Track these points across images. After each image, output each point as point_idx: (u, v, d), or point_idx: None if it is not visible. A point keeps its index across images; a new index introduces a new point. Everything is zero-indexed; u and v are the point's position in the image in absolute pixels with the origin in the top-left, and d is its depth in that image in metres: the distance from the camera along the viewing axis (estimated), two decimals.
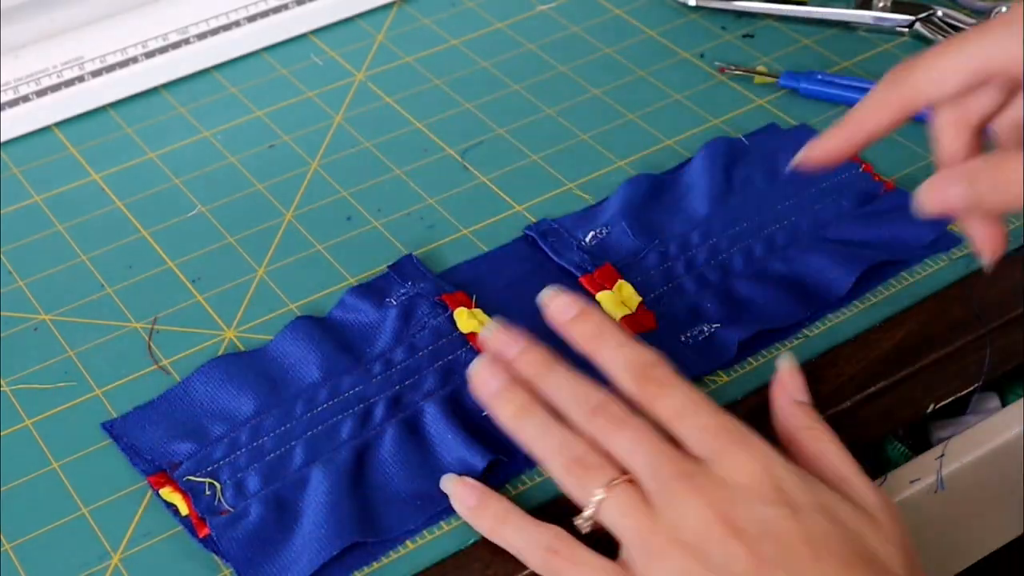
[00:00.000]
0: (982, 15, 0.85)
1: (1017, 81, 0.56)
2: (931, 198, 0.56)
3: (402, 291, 0.69)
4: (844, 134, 0.59)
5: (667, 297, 0.68)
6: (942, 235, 0.71)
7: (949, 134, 0.59)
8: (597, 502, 0.55)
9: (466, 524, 0.60)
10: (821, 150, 0.60)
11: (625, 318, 0.67)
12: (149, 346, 0.69)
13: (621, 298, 0.68)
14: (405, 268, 0.70)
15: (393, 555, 0.59)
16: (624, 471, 0.55)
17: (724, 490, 0.54)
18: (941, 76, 0.56)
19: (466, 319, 0.67)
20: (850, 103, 0.80)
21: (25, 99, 0.83)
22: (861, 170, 0.75)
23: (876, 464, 0.66)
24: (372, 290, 0.69)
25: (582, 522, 0.56)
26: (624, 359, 0.58)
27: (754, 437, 0.55)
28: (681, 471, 0.54)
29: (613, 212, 0.73)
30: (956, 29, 0.84)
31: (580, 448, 0.57)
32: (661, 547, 0.53)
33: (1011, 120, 0.59)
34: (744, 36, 0.86)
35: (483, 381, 0.60)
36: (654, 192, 0.74)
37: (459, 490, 0.59)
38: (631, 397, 0.57)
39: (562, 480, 0.57)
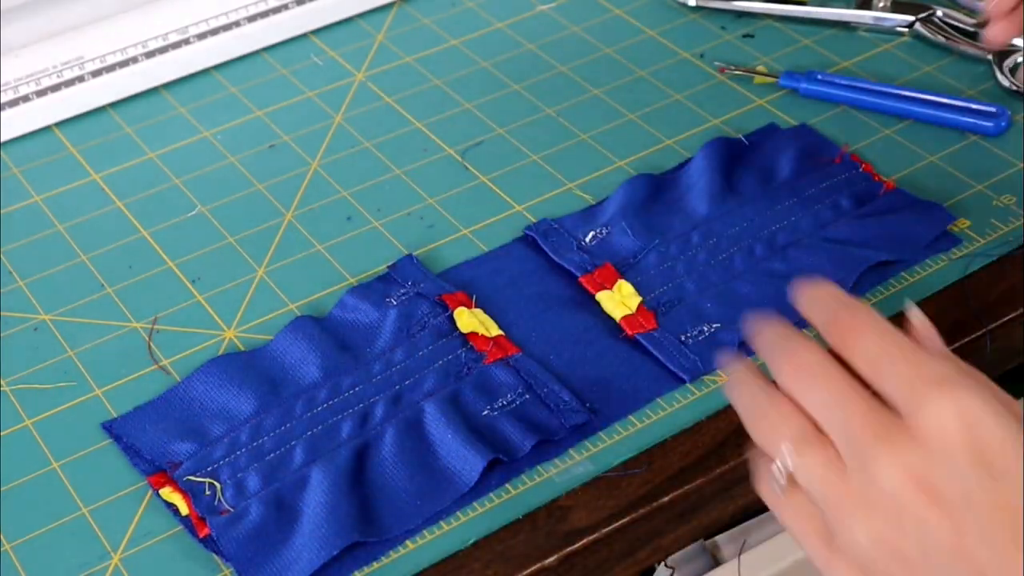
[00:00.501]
0: (982, 15, 0.85)
1: None
2: None
3: (402, 291, 0.69)
4: None
5: (667, 297, 0.68)
6: (942, 235, 0.71)
7: None
8: (789, 457, 0.51)
9: (466, 524, 0.60)
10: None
11: (625, 318, 0.67)
12: (149, 346, 0.69)
13: (621, 298, 0.68)
14: (405, 268, 0.70)
15: (393, 555, 0.59)
16: (815, 426, 0.51)
17: (921, 449, 0.48)
18: None
19: (466, 319, 0.67)
20: (850, 103, 0.80)
21: (25, 99, 0.83)
22: (861, 170, 0.75)
23: None
24: (372, 290, 0.69)
25: (776, 472, 0.52)
26: (819, 295, 0.54)
27: (961, 379, 0.49)
28: (875, 428, 0.49)
29: (613, 212, 0.73)
30: (956, 29, 0.84)
31: (772, 399, 0.53)
32: (852, 510, 0.49)
33: None
34: (744, 36, 0.86)
35: (733, 372, 0.56)
36: (654, 192, 0.74)
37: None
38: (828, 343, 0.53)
39: (755, 431, 0.53)
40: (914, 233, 0.70)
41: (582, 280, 0.69)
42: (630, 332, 0.66)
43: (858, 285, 0.68)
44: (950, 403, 0.48)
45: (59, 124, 0.83)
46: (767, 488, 0.53)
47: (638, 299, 0.68)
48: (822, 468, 0.51)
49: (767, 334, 0.55)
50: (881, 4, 0.86)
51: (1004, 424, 0.48)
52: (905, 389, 0.50)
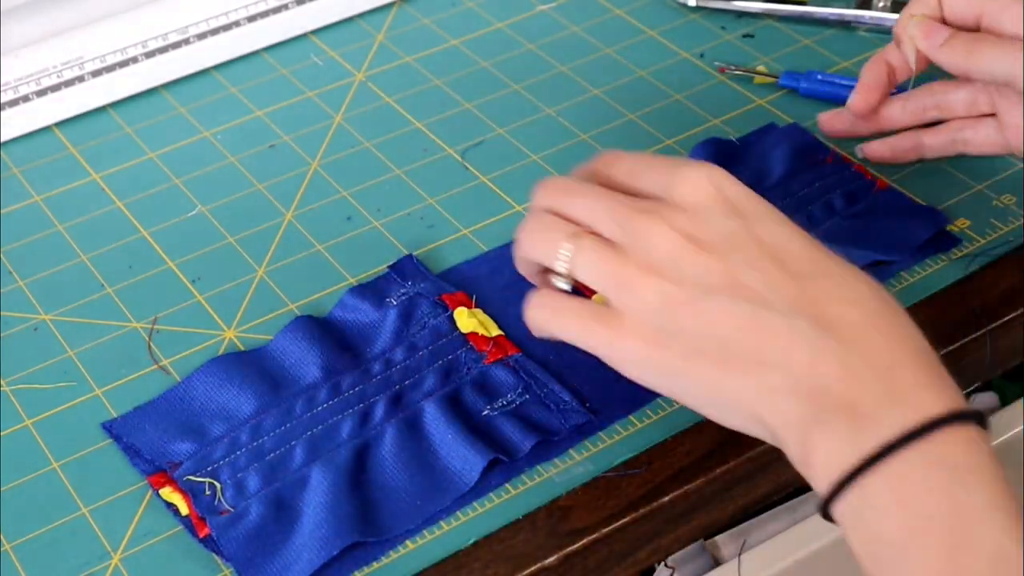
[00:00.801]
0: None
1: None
2: (917, 27, 0.67)
3: (402, 291, 0.69)
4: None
5: None
6: (942, 235, 0.71)
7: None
8: (567, 257, 0.57)
9: (466, 524, 0.60)
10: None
11: None
12: (149, 346, 0.69)
13: None
14: (405, 268, 0.70)
15: (393, 555, 0.59)
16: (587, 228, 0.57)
17: (683, 213, 0.56)
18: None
19: (466, 319, 0.67)
20: None
21: (25, 99, 0.83)
22: (853, 169, 0.74)
23: None
24: (372, 290, 0.69)
25: (559, 280, 0.58)
26: (590, 162, 0.61)
27: (702, 162, 0.57)
28: (639, 208, 0.56)
29: None
30: None
31: (539, 217, 0.59)
32: (635, 277, 0.55)
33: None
34: (744, 36, 0.86)
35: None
36: None
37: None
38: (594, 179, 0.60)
39: (526, 247, 0.59)
40: (907, 234, 0.70)
41: (578, 285, 0.69)
42: None
43: None
44: (700, 172, 0.56)
45: (59, 124, 0.83)
46: (536, 309, 0.58)
47: None
48: (599, 252, 0.56)
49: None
50: (881, 4, 0.86)
51: (744, 187, 0.57)
52: (661, 178, 0.57)
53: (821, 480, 0.51)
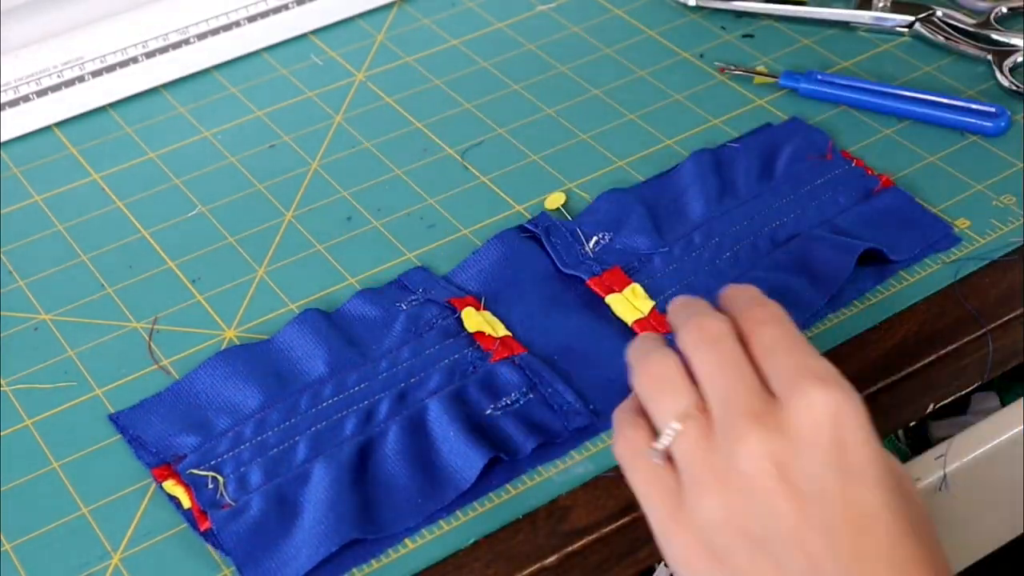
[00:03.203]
0: (982, 15, 0.85)
1: None
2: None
3: (412, 298, 0.69)
4: None
5: None
6: (943, 236, 0.71)
7: None
8: (671, 436, 0.54)
9: (466, 524, 0.60)
10: None
11: (638, 322, 0.67)
12: (149, 346, 0.69)
13: (633, 301, 0.67)
14: (415, 278, 0.70)
15: (393, 555, 0.59)
16: (701, 398, 0.54)
17: (786, 438, 0.51)
18: None
19: (473, 318, 0.67)
20: (850, 103, 0.80)
21: (25, 99, 0.83)
22: (853, 165, 0.75)
23: None
24: (383, 296, 0.69)
25: (653, 452, 0.54)
26: (739, 293, 0.58)
27: (840, 382, 0.52)
28: (751, 408, 0.52)
29: (609, 219, 0.72)
30: (956, 29, 0.84)
31: (666, 362, 0.55)
32: (709, 482, 0.52)
33: None
34: (744, 36, 0.86)
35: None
36: (643, 199, 0.73)
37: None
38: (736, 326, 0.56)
39: (641, 393, 0.56)
40: (909, 235, 0.70)
41: (590, 283, 0.69)
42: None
43: (858, 285, 0.68)
44: (824, 397, 0.51)
45: (59, 124, 0.83)
46: (623, 448, 0.55)
47: (651, 303, 0.67)
48: (695, 439, 0.53)
49: (681, 304, 0.58)
50: (881, 4, 0.86)
51: (867, 430, 0.51)
52: (787, 377, 0.53)
53: None
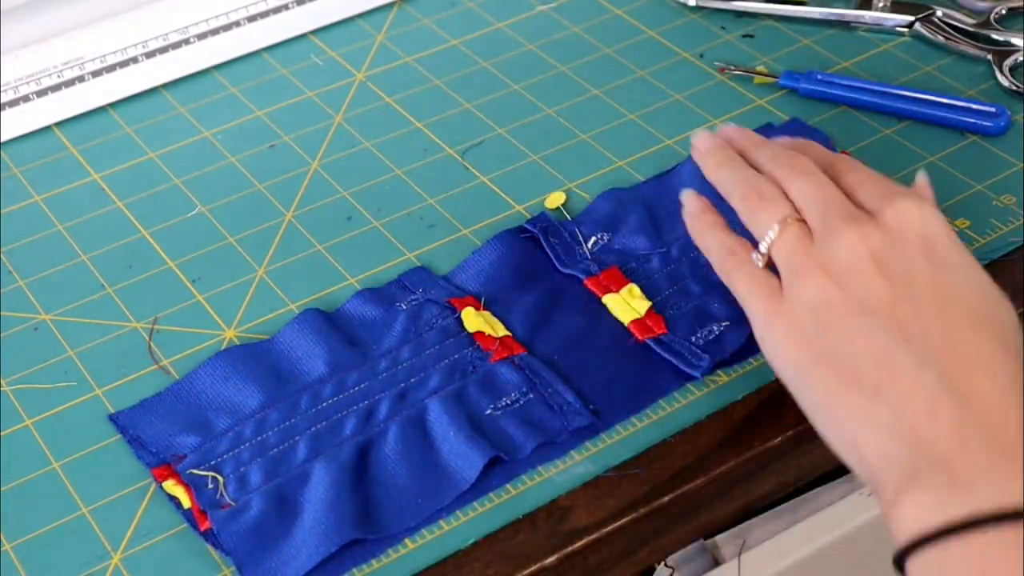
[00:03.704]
0: (982, 15, 0.85)
1: None
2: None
3: (412, 298, 0.69)
4: None
5: (675, 299, 0.68)
6: None
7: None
8: (770, 239, 0.60)
9: (466, 524, 0.60)
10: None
11: (634, 322, 0.67)
12: (149, 346, 0.69)
13: (630, 301, 0.67)
14: (415, 277, 0.70)
15: (393, 555, 0.59)
16: (798, 212, 0.60)
17: (882, 233, 0.57)
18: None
19: (473, 318, 0.67)
20: (850, 103, 0.80)
21: (25, 99, 0.83)
22: None
23: None
24: (382, 295, 0.69)
25: (756, 256, 0.61)
26: (823, 153, 0.65)
27: (920, 195, 0.59)
28: (848, 214, 0.58)
29: (607, 220, 0.72)
30: (956, 29, 0.84)
31: (762, 182, 0.62)
32: (808, 269, 0.58)
33: None
34: (744, 36, 0.86)
35: (701, 140, 0.67)
36: (647, 198, 0.74)
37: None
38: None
39: (741, 210, 0.63)
40: None
41: (587, 283, 0.69)
42: (640, 338, 0.66)
43: None
44: (915, 204, 0.58)
45: (59, 124, 0.83)
46: (723, 257, 0.62)
47: (647, 303, 0.67)
48: (794, 240, 0.59)
49: (754, 142, 0.66)
50: (881, 4, 0.86)
51: (953, 234, 0.58)
52: (879, 196, 0.59)
53: (902, 530, 0.50)
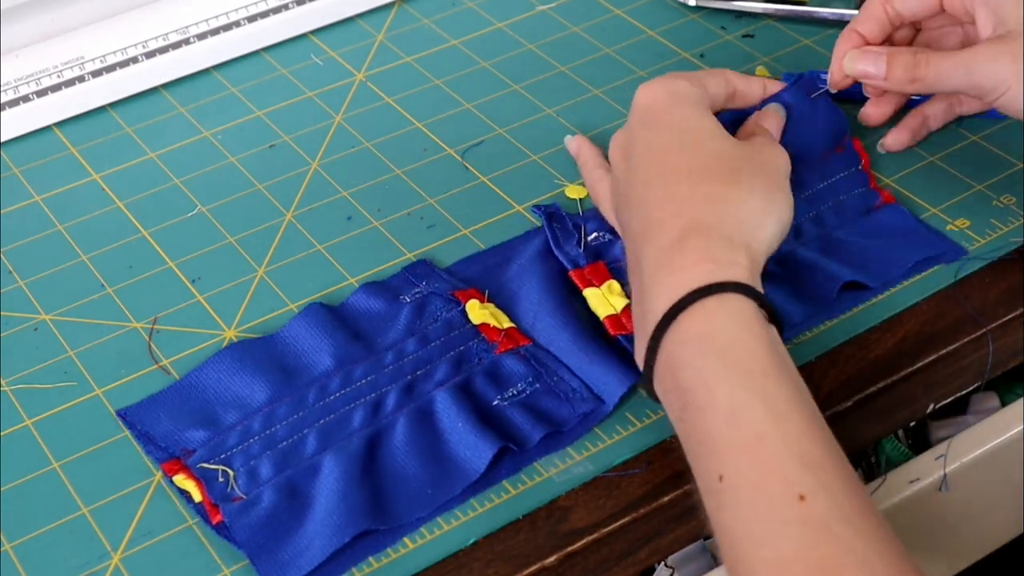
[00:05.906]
0: None
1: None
2: (853, 67, 0.72)
3: (415, 290, 0.69)
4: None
5: None
6: (946, 251, 0.70)
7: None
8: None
9: (466, 524, 0.60)
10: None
11: (609, 317, 0.67)
12: (149, 346, 0.69)
13: (608, 297, 0.67)
14: (419, 270, 0.70)
15: (393, 555, 0.59)
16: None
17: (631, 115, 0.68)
18: None
19: (477, 311, 0.67)
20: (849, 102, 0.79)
21: (25, 99, 0.83)
22: (860, 167, 0.74)
23: (876, 464, 0.66)
24: (386, 288, 0.69)
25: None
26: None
27: (673, 78, 0.68)
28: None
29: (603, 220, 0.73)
30: None
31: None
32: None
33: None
34: (744, 36, 0.86)
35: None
36: None
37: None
38: None
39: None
40: (900, 257, 0.70)
41: (572, 274, 0.69)
42: (612, 332, 0.66)
43: (859, 285, 0.68)
44: (648, 87, 0.68)
45: (59, 124, 0.83)
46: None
47: (625, 301, 0.67)
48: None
49: None
50: None
51: (672, 95, 0.67)
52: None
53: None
